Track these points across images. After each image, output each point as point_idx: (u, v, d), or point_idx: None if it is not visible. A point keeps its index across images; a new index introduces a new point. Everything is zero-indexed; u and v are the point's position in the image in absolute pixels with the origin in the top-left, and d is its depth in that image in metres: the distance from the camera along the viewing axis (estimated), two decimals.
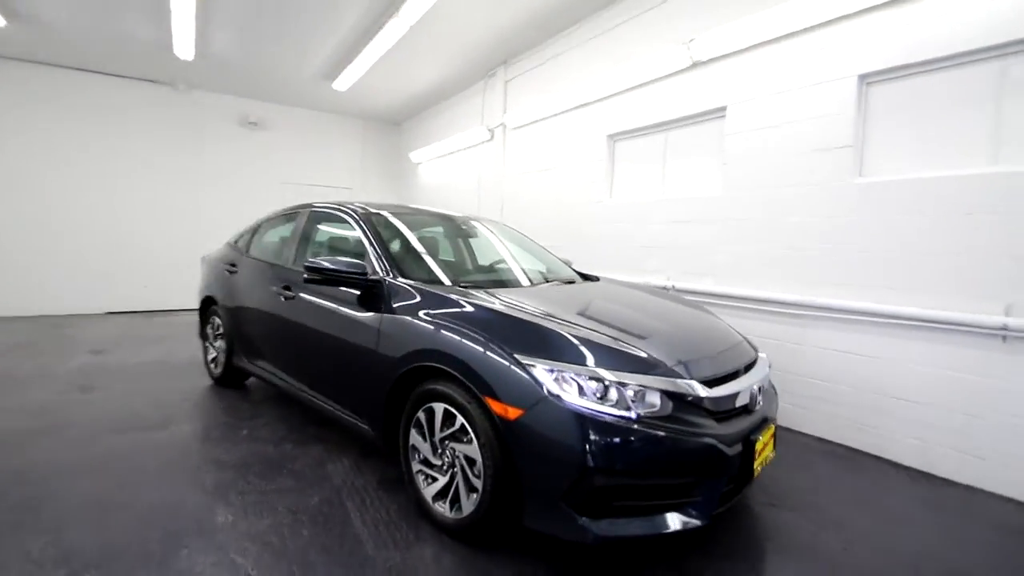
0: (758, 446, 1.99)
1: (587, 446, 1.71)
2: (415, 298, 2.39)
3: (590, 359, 1.86)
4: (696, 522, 1.82)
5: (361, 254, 2.87)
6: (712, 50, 3.88)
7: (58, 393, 3.78)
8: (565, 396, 1.76)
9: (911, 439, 2.96)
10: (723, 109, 3.94)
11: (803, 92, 3.42)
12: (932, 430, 2.88)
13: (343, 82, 7.08)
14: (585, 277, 3.32)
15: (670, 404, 1.83)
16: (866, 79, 3.16)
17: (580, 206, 5.33)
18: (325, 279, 2.58)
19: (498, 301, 2.25)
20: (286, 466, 2.72)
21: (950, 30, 2.80)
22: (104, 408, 3.50)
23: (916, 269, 2.94)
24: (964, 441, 2.76)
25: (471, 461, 1.99)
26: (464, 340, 2.02)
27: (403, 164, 9.63)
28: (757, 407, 2.12)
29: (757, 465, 2.02)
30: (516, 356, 1.87)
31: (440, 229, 3.48)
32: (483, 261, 3.23)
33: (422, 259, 2.83)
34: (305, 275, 2.59)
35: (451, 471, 2.09)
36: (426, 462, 2.20)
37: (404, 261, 2.69)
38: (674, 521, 1.79)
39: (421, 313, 2.30)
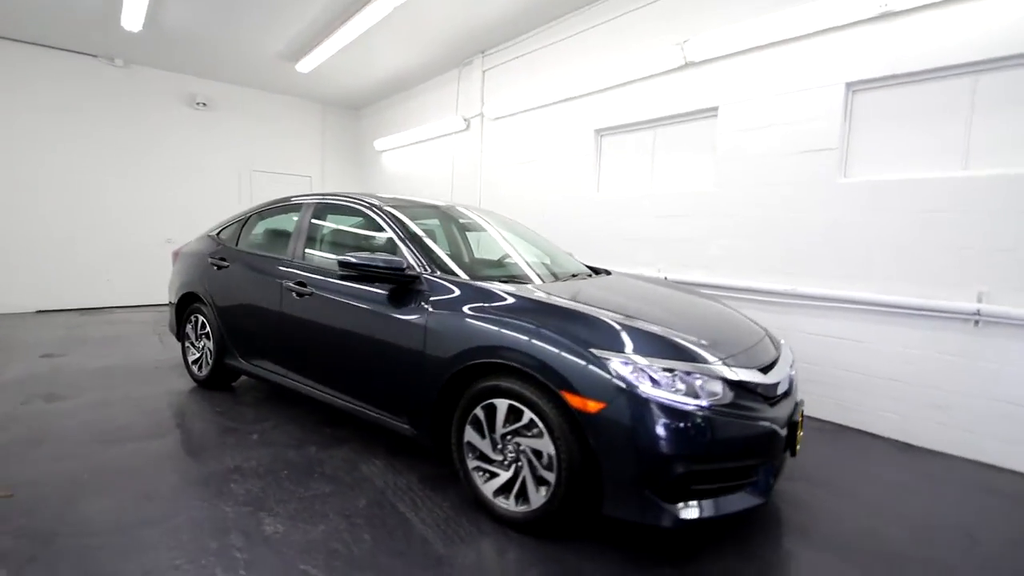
0: (799, 427, 2.17)
1: (669, 435, 1.79)
2: (456, 293, 2.37)
3: (658, 351, 1.93)
4: (758, 500, 1.96)
5: (381, 249, 2.81)
6: (706, 52, 4.06)
7: (19, 404, 3.39)
8: (642, 388, 1.83)
9: (892, 414, 3.30)
10: (715, 109, 4.14)
11: (794, 96, 3.67)
12: (911, 405, 3.23)
13: (308, 63, 6.71)
14: (595, 271, 3.39)
15: (731, 392, 1.95)
16: (852, 87, 3.44)
17: (566, 199, 5.41)
18: (362, 275, 2.49)
19: (554, 296, 2.28)
20: (316, 470, 2.61)
21: (929, 47, 3.11)
22: (82, 418, 3.19)
23: (896, 262, 3.27)
24: (940, 414, 3.12)
25: (540, 455, 2.02)
26: (535, 336, 2.03)
27: (365, 152, 9.29)
28: (792, 391, 2.30)
29: (797, 444, 2.19)
30: (591, 351, 1.91)
31: (461, 223, 3.42)
32: (509, 255, 3.19)
33: (459, 253, 2.80)
34: (340, 271, 2.48)
35: (515, 466, 2.11)
36: (483, 458, 2.21)
37: (438, 255, 2.65)
38: (741, 501, 1.92)
39: (467, 309, 2.29)
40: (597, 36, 4.98)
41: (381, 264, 2.45)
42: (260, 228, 3.68)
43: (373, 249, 2.99)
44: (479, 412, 2.18)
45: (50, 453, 2.69)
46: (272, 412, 3.39)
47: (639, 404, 1.81)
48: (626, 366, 1.87)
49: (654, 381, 1.85)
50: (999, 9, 2.88)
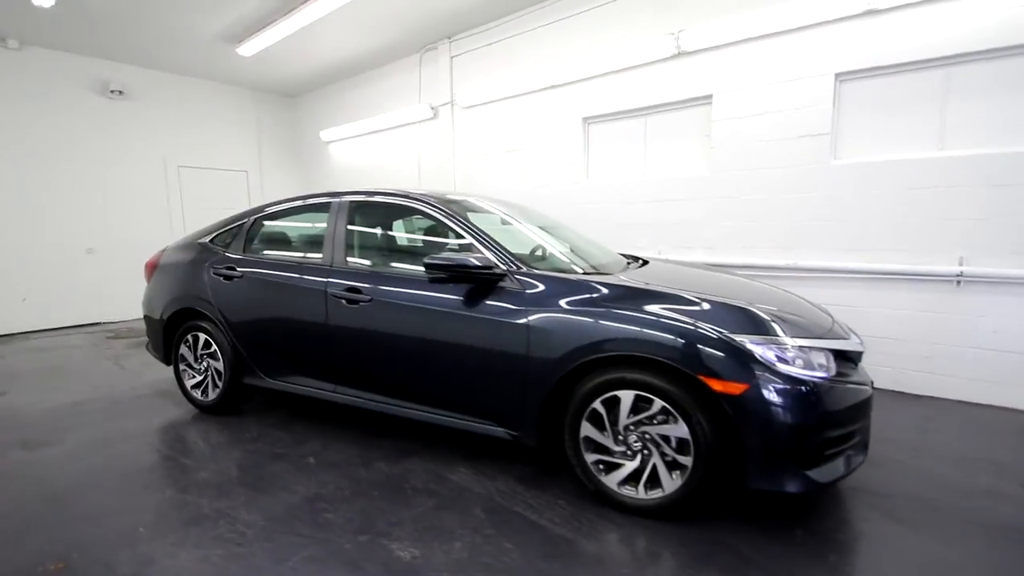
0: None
1: (806, 407, 1.92)
2: (554, 289, 2.33)
3: (780, 330, 2.06)
4: (863, 457, 2.17)
5: (441, 248, 2.70)
6: (700, 42, 4.25)
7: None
8: (779, 366, 1.94)
9: (886, 368, 3.76)
10: (709, 97, 4.36)
11: (787, 85, 3.97)
12: (902, 359, 3.70)
13: (252, 46, 6.08)
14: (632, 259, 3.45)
15: (835, 363, 2.12)
16: (840, 77, 3.79)
17: (554, 187, 5.44)
18: (452, 277, 2.37)
19: (652, 284, 2.32)
20: (404, 485, 2.47)
21: (909, 42, 3.50)
22: (89, 463, 2.74)
23: (885, 234, 3.69)
24: (927, 364, 3.61)
25: (668, 440, 2.08)
26: (663, 327, 2.06)
27: (308, 143, 8.63)
28: None
29: None
30: (725, 335, 1.99)
31: (504, 214, 3.30)
32: (562, 245, 3.11)
33: (539, 247, 2.73)
34: (428, 274, 2.35)
35: (641, 455, 2.15)
36: (603, 451, 2.22)
37: (516, 251, 2.57)
38: (855, 459, 2.12)
39: (568, 304, 2.27)
40: (583, 23, 5.01)
41: (473, 264, 2.34)
42: (272, 232, 3.33)
43: (432, 248, 2.85)
44: (598, 406, 2.18)
45: (80, 511, 2.29)
46: (309, 431, 3.12)
47: (778, 382, 1.92)
48: (759, 347, 1.97)
49: (785, 359, 1.97)
50: (969, 10, 3.31)
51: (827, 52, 3.79)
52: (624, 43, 4.71)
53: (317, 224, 3.16)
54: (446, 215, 2.70)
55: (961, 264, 3.42)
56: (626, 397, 2.13)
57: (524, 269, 2.43)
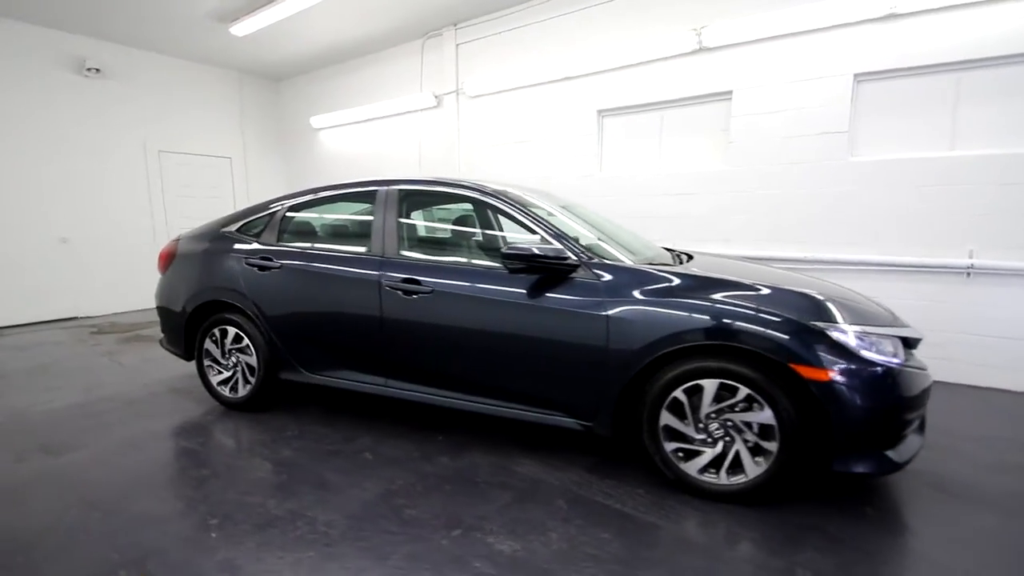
0: None
1: (889, 391, 2.02)
2: (621, 279, 2.34)
3: (858, 319, 2.14)
4: (922, 440, 2.29)
5: (498, 238, 2.67)
6: (722, 39, 4.33)
7: (12, 462, 2.61)
8: (862, 353, 2.02)
9: None
10: (729, 93, 4.46)
11: (807, 84, 4.10)
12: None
13: (248, 26, 5.78)
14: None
15: (903, 349, 2.23)
16: (859, 77, 3.95)
17: (565, 180, 5.44)
18: (527, 268, 2.34)
19: (727, 275, 2.36)
20: (475, 479, 2.44)
21: (926, 46, 3.68)
22: (121, 467, 2.58)
23: (898, 228, 3.89)
24: (938, 351, 3.82)
25: (751, 427, 2.13)
26: (751, 317, 2.10)
27: (295, 129, 8.29)
28: None
29: None
30: (811, 323, 2.05)
31: (555, 203, 3.26)
32: (612, 237, 3.09)
33: (602, 236, 2.72)
34: (507, 264, 2.31)
35: (723, 441, 2.20)
36: (682, 439, 2.25)
37: (582, 240, 2.56)
38: (919, 439, 2.24)
39: (639, 294, 2.29)
40: (600, 16, 5.01)
41: (551, 255, 2.32)
42: (309, 222, 3.19)
43: (490, 237, 2.80)
44: (680, 395, 2.22)
45: (134, 516, 2.14)
46: (353, 427, 3.03)
47: (862, 367, 2.00)
48: (843, 335, 2.04)
49: (866, 346, 2.05)
50: (979, 19, 3.51)
51: (847, 53, 3.93)
52: (643, 37, 4.74)
53: (360, 213, 3.05)
54: (508, 204, 2.66)
55: (971, 257, 3.65)
56: (709, 386, 2.16)
57: (596, 260, 2.43)
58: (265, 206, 3.31)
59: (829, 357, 2.01)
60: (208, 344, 3.30)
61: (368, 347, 2.83)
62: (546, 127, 5.57)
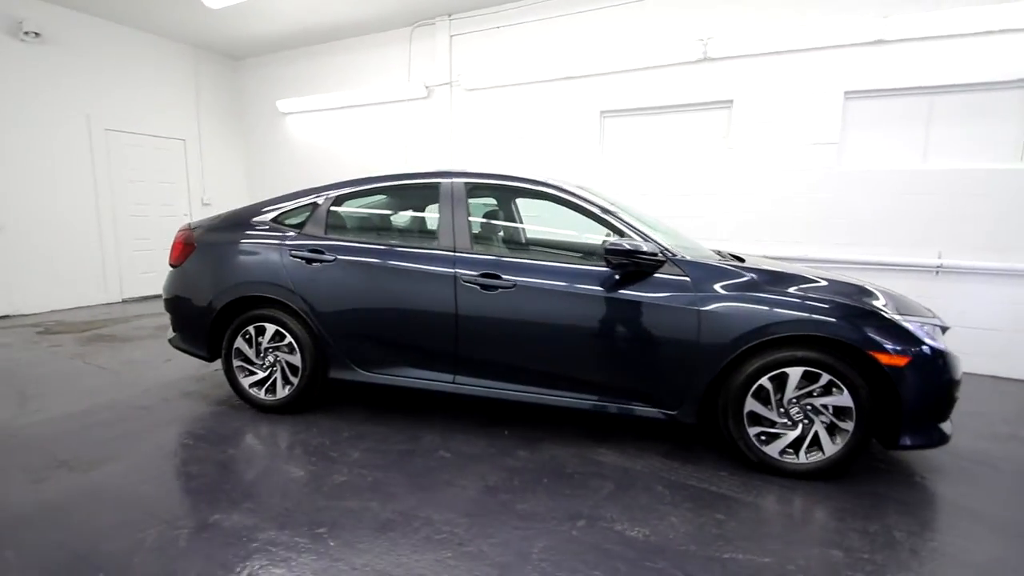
0: None
1: (949, 374, 2.31)
2: (703, 275, 2.48)
3: (916, 311, 2.43)
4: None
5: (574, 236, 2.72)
6: (727, 50, 4.62)
7: (30, 483, 2.28)
8: (926, 340, 2.30)
9: None
10: (730, 102, 4.77)
11: (802, 97, 4.49)
12: None
13: None
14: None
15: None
16: (848, 94, 4.38)
17: (567, 179, 5.52)
18: (631, 264, 2.42)
19: (800, 271, 2.57)
20: (564, 471, 2.47)
21: (907, 70, 4.17)
22: (175, 477, 2.34)
23: (879, 231, 4.38)
24: None
25: (829, 409, 2.35)
26: (832, 311, 2.30)
27: (257, 113, 7.72)
28: None
29: None
30: (887, 314, 2.30)
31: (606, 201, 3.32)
32: (673, 234, 3.20)
33: (672, 231, 2.83)
34: (612, 260, 2.38)
35: (802, 424, 2.40)
36: (764, 423, 2.43)
37: (662, 236, 2.66)
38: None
39: (721, 289, 2.44)
40: (606, 19, 5.15)
41: (647, 251, 2.41)
42: (362, 213, 3.04)
43: (562, 234, 2.83)
44: (766, 383, 2.39)
45: (227, 529, 1.97)
46: (412, 426, 2.94)
47: (927, 353, 2.27)
48: (911, 324, 2.31)
49: (929, 334, 2.33)
50: (951, 50, 4.03)
51: (840, 72, 4.36)
52: (649, 42, 4.94)
53: (421, 205, 2.96)
54: (588, 202, 2.71)
55: (940, 257, 4.19)
56: (794, 373, 2.35)
57: (678, 256, 2.54)
58: (303, 195, 3.11)
59: (902, 345, 2.26)
60: (240, 343, 3.04)
61: (439, 343, 2.76)
62: (546, 125, 5.64)
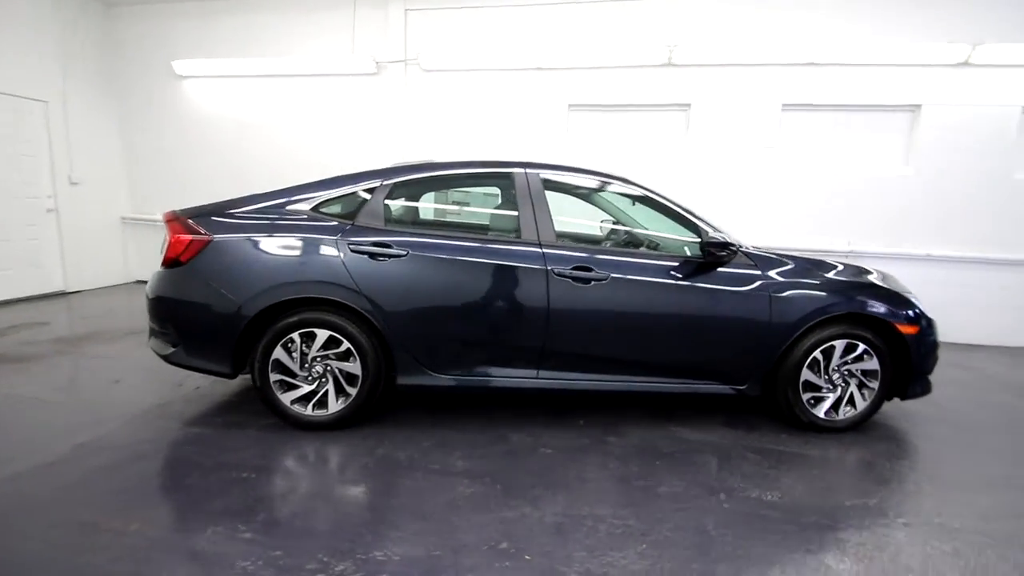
0: None
1: (934, 334, 2.92)
2: (764, 263, 2.84)
3: (905, 287, 3.05)
4: None
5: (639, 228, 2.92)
6: (688, 57, 5.09)
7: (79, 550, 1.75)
8: (924, 310, 2.91)
9: None
10: (688, 105, 5.27)
11: (749, 105, 5.16)
12: None
13: None
14: None
15: None
16: (785, 107, 5.15)
17: None
18: (724, 255, 2.64)
19: (828, 258, 3.05)
20: (661, 453, 2.63)
21: (829, 90, 5.04)
22: (324, 513, 1.99)
23: (806, 222, 5.26)
24: None
25: (858, 373, 2.86)
26: (872, 293, 2.81)
27: (139, 72, 6.35)
28: None
29: None
30: (903, 293, 2.87)
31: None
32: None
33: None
34: (713, 252, 2.57)
35: (841, 386, 2.88)
36: (815, 389, 2.86)
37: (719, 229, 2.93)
38: None
39: (779, 275, 2.82)
40: (581, 14, 5.28)
41: (733, 244, 2.66)
42: (427, 202, 2.79)
43: (634, 227, 2.95)
44: (819, 355, 2.81)
45: (408, 559, 1.76)
46: (482, 427, 2.83)
47: (925, 322, 2.89)
48: (917, 301, 2.91)
49: (922, 306, 2.96)
50: (862, 77, 4.98)
51: (778, 86, 5.09)
52: (620, 42, 5.21)
53: (490, 195, 2.83)
54: (655, 195, 2.89)
55: (849, 244, 5.20)
56: (840, 345, 2.82)
57: (745, 247, 2.84)
58: (350, 180, 2.76)
59: (915, 317, 2.84)
60: (279, 353, 2.61)
61: (526, 338, 2.70)
62: (512, 114, 5.62)
